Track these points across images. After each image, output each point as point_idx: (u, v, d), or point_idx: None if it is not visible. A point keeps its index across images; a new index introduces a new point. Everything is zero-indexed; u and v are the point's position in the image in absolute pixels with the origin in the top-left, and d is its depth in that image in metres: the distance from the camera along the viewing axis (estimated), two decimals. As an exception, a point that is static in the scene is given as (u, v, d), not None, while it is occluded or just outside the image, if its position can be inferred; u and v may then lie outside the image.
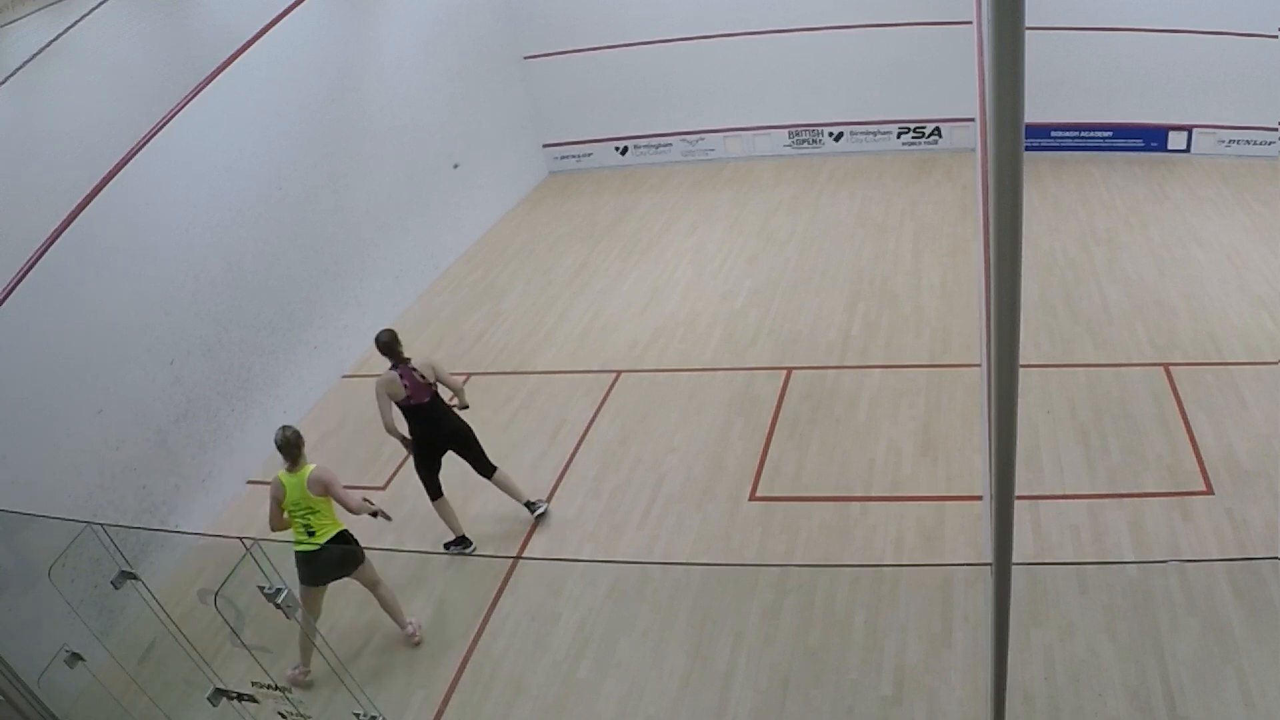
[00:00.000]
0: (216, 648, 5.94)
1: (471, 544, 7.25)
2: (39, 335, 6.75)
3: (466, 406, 7.14)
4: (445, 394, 7.08)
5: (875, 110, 13.96)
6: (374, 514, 6.10)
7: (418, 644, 6.42)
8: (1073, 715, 5.17)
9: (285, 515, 6.00)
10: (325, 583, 6.15)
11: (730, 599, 6.41)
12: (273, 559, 4.51)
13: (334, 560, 6.07)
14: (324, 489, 5.90)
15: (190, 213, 8.22)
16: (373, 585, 6.28)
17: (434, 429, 6.95)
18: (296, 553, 6.01)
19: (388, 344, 6.79)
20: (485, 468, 7.20)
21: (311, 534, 5.99)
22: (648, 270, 11.54)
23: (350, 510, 5.97)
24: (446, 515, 7.18)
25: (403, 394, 6.76)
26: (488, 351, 10.21)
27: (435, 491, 7.12)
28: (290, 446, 5.92)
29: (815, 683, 5.69)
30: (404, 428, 6.98)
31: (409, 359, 6.81)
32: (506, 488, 7.28)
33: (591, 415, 8.72)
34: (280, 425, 6.10)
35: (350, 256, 10.47)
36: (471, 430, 7.11)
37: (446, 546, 7.24)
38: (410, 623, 6.45)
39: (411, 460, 7.16)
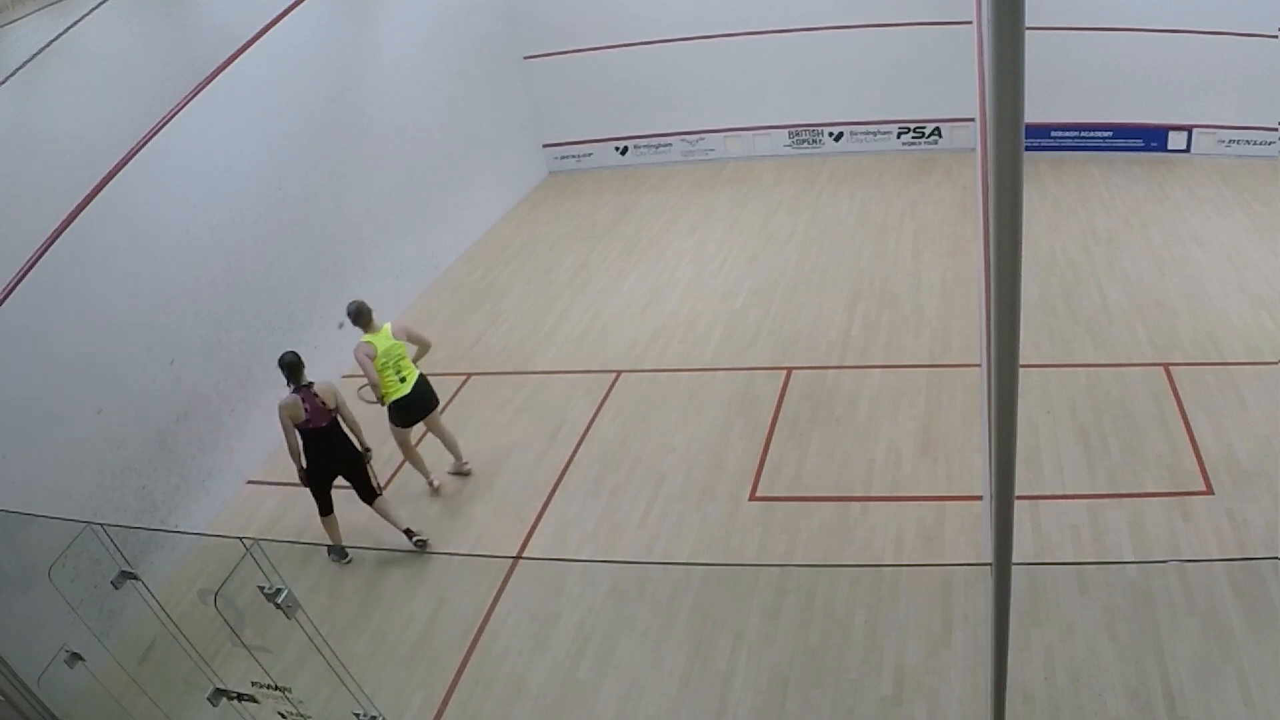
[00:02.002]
0: (216, 648, 5.94)
1: (348, 556, 7.38)
2: (39, 335, 6.75)
3: (368, 450, 7.20)
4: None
5: (875, 110, 13.95)
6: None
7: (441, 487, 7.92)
8: (1073, 715, 5.18)
9: (381, 365, 7.29)
10: (415, 423, 7.65)
11: (730, 599, 6.41)
12: (272, 559, 4.50)
13: (421, 401, 7.55)
14: (405, 332, 7.38)
15: (190, 213, 8.21)
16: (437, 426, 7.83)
17: (329, 455, 7.03)
18: (394, 402, 7.45)
19: (292, 364, 6.89)
20: (368, 494, 7.29)
21: (403, 379, 7.41)
22: (648, 270, 11.54)
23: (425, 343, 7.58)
24: (331, 529, 7.34)
25: (302, 417, 6.84)
26: (488, 351, 10.21)
27: (325, 508, 7.25)
28: (362, 314, 7.31)
29: (815, 683, 5.69)
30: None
31: (311, 383, 6.89)
32: (385, 514, 7.33)
33: (591, 415, 8.72)
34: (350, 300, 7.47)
35: (350, 256, 10.46)
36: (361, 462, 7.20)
37: (329, 551, 7.37)
38: (465, 464, 8.01)
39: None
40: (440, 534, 7.47)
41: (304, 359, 6.99)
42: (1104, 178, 12.26)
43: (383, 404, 7.47)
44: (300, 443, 6.92)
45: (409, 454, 7.88)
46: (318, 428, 6.89)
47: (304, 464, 7.00)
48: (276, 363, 6.95)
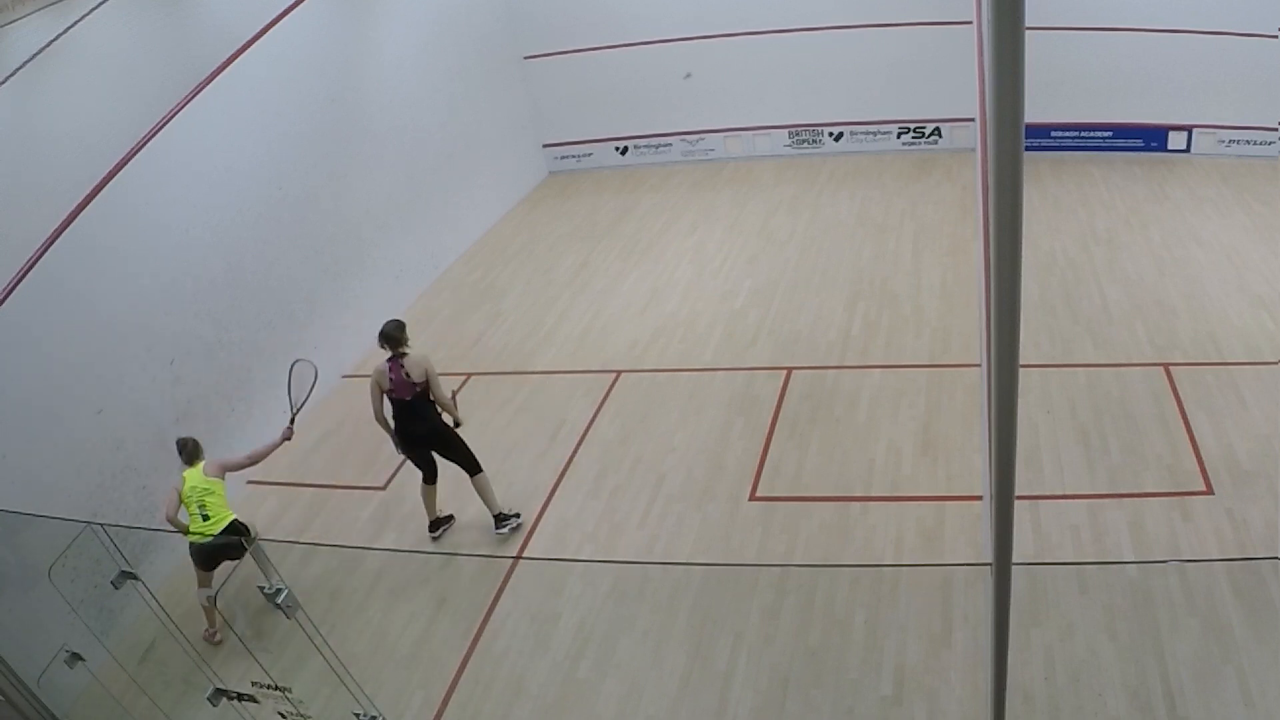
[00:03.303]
0: (217, 648, 5.95)
1: (438, 532, 7.44)
2: (39, 335, 6.75)
3: (459, 424, 7.21)
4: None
5: (875, 110, 13.96)
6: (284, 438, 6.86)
7: (217, 642, 6.55)
8: (1073, 715, 5.18)
9: (181, 506, 6.46)
10: (214, 567, 6.56)
11: (730, 599, 6.41)
12: (273, 559, 4.51)
13: (222, 547, 6.47)
14: (219, 468, 6.60)
15: (190, 213, 8.21)
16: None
17: (414, 427, 7.09)
18: (190, 542, 6.47)
19: (387, 335, 6.96)
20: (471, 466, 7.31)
21: (206, 519, 6.42)
22: (648, 270, 11.53)
23: (243, 466, 6.84)
24: (427, 500, 7.41)
25: (386, 385, 6.98)
26: (488, 351, 10.20)
27: (428, 476, 7.32)
28: (186, 448, 6.61)
29: (815, 683, 5.69)
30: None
31: (404, 354, 6.94)
32: (483, 492, 7.34)
33: (591, 415, 8.72)
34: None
35: (350, 256, 10.46)
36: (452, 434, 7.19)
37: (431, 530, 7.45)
38: (213, 631, 6.59)
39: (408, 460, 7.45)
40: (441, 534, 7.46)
41: (402, 329, 6.98)
42: (1104, 178, 12.26)
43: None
44: (390, 410, 7.03)
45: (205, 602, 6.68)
46: (401, 399, 6.96)
47: (393, 430, 7.11)
48: (377, 336, 6.98)
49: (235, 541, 6.47)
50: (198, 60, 8.66)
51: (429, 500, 7.39)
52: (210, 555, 6.50)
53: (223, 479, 6.61)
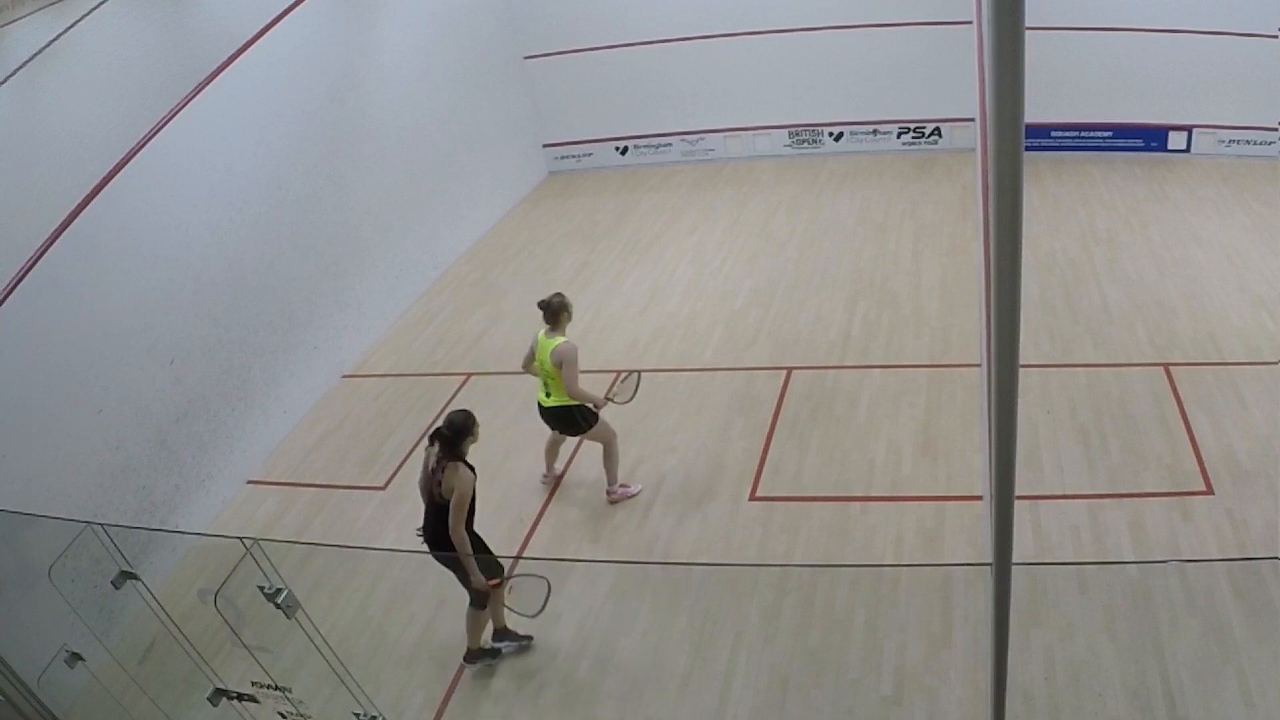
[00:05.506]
0: (216, 648, 5.94)
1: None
2: (39, 335, 6.76)
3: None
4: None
5: (875, 110, 13.95)
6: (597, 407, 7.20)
7: (613, 502, 7.53)
8: (1073, 715, 5.18)
9: (535, 366, 7.13)
10: (557, 430, 7.49)
11: (730, 599, 6.41)
12: (273, 559, 4.51)
13: (555, 419, 7.32)
14: (559, 365, 6.92)
15: (190, 213, 8.22)
16: (602, 442, 7.45)
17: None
18: (538, 403, 7.32)
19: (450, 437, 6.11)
20: None
21: (548, 395, 7.19)
22: (648, 270, 11.53)
23: (571, 395, 7.02)
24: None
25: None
26: (488, 351, 10.20)
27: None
28: (550, 310, 7.08)
29: (815, 683, 5.69)
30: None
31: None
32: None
33: (591, 415, 8.71)
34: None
35: (350, 256, 10.47)
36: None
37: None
38: (622, 489, 7.53)
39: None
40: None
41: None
42: (1104, 178, 12.26)
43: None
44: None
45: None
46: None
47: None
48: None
49: (567, 420, 7.26)
50: (198, 60, 8.66)
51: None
52: (546, 421, 7.40)
53: (561, 370, 6.94)
